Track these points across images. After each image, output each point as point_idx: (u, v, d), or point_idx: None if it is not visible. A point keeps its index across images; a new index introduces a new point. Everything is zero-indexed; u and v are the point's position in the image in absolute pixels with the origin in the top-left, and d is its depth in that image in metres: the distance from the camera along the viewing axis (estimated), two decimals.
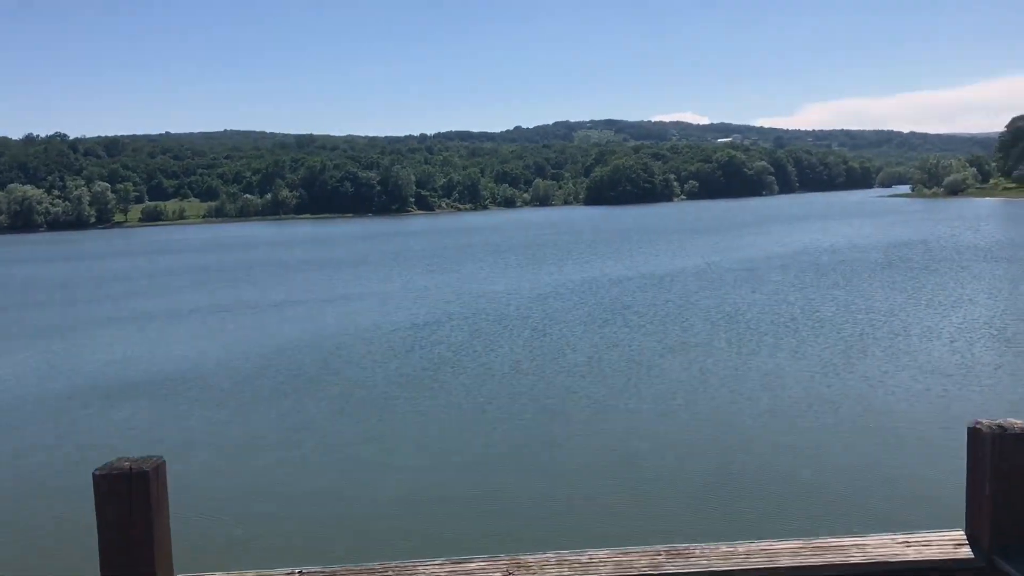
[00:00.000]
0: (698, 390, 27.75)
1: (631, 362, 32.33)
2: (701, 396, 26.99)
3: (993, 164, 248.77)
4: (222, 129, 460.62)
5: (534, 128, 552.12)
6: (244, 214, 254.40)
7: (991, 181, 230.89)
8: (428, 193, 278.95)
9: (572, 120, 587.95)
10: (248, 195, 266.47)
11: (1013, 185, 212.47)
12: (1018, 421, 3.71)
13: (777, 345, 34.34)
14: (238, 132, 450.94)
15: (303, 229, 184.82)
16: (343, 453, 22.94)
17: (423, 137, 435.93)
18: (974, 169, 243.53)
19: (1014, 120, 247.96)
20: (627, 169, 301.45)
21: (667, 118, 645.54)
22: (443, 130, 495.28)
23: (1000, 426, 3.69)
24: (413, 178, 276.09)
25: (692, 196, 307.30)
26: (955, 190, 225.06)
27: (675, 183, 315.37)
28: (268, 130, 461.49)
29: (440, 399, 28.08)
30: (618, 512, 18.17)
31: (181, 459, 23.03)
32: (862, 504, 17.87)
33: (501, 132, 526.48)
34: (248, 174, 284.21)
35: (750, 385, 28.09)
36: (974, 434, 3.81)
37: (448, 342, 38.15)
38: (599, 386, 28.81)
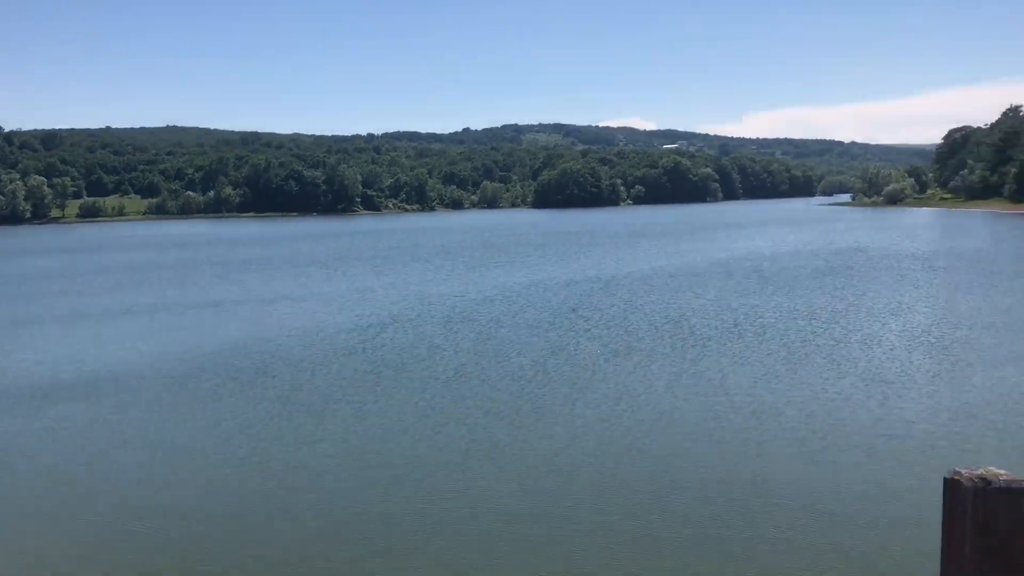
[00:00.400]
0: (642, 395, 27.65)
1: (576, 366, 32.16)
2: (645, 402, 26.88)
3: (931, 175, 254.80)
4: (164, 124, 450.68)
5: (482, 130, 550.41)
6: (186, 212, 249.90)
7: (928, 191, 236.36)
8: (375, 193, 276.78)
9: (521, 123, 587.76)
10: (190, 192, 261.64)
11: (949, 196, 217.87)
12: (1001, 471, 3.30)
13: (721, 351, 34.45)
14: (181, 128, 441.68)
15: (246, 228, 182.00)
16: (279, 459, 22.30)
17: (370, 137, 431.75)
18: (912, 179, 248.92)
19: (951, 132, 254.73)
20: (575, 173, 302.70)
21: (614, 123, 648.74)
22: (391, 130, 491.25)
23: (983, 478, 3.27)
24: (359, 178, 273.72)
25: (638, 201, 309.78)
26: (894, 199, 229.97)
27: (622, 188, 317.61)
28: (212, 126, 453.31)
29: (382, 402, 27.57)
30: (561, 517, 17.90)
31: (110, 464, 22.22)
32: (799, 514, 17.84)
33: (449, 133, 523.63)
34: (190, 171, 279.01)
35: (694, 391, 28.07)
36: (953, 487, 3.36)
37: (392, 345, 37.60)
38: (544, 390, 28.56)
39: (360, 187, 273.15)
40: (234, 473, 21.34)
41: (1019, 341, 35.14)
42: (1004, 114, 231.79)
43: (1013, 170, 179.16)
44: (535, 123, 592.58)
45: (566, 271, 69.66)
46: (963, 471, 3.35)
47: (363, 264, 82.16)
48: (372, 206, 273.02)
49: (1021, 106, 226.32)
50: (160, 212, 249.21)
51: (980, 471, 3.32)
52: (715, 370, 31.01)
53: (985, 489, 3.27)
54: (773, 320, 41.83)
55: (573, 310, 46.71)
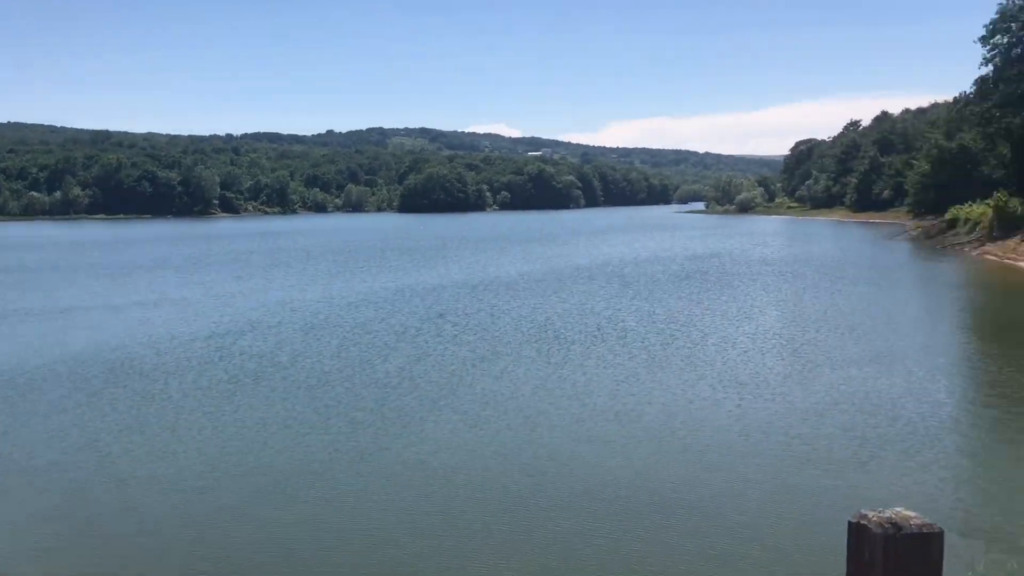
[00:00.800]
0: (509, 400, 27.69)
1: (443, 372, 31.94)
2: (512, 406, 26.92)
3: (779, 184, 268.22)
4: (5, 121, 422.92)
5: (347, 133, 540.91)
6: (29, 213, 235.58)
7: (777, 200, 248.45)
8: (233, 195, 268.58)
9: (386, 127, 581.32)
10: (34, 193, 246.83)
11: (796, 204, 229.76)
12: (912, 513, 3.10)
13: (585, 354, 34.94)
14: (24, 125, 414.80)
15: (96, 230, 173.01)
16: (128, 472, 21.11)
17: (229, 137, 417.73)
18: (762, 189, 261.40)
19: (797, 144, 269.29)
20: (441, 178, 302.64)
21: (480, 129, 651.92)
22: (250, 131, 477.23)
23: (893, 523, 3.04)
24: (217, 179, 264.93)
25: (504, 207, 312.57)
26: (745, 208, 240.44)
27: (488, 193, 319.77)
28: (58, 124, 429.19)
29: (241, 412, 26.56)
30: (429, 526, 17.64)
31: None
32: (663, 514, 18.20)
33: (313, 135, 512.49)
34: (34, 170, 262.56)
35: (560, 394, 28.33)
36: (859, 532, 3.15)
37: (251, 352, 36.36)
38: (410, 397, 28.20)
39: (218, 189, 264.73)
40: (80, 489, 20.05)
41: (861, 343, 37.14)
42: (845, 128, 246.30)
43: (854, 181, 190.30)
44: (400, 127, 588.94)
45: (433, 276, 69.37)
46: (870, 514, 3.16)
47: (221, 268, 79.41)
48: (231, 208, 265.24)
49: (860, 121, 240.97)
50: (1, 213, 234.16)
51: (888, 514, 3.15)
52: (579, 374, 31.41)
53: (896, 536, 3.11)
54: (634, 324, 42.79)
55: (440, 315, 46.48)
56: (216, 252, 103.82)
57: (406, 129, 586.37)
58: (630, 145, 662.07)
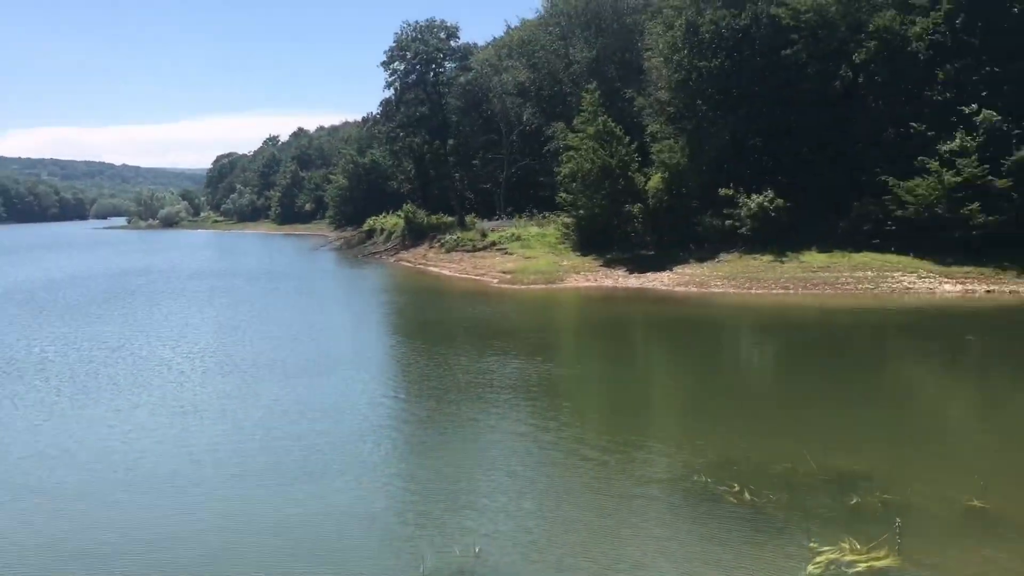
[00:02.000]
0: None
1: None
2: None
3: (203, 198, 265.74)
4: None
5: None
6: None
7: (203, 214, 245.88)
8: None
9: None
10: None
11: (222, 218, 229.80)
12: None
13: None
14: None
15: None
16: None
17: None
18: (186, 203, 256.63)
19: (219, 158, 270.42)
20: None
21: None
22: None
23: None
24: None
25: None
26: (170, 222, 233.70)
27: None
28: None
29: None
30: None
31: None
32: (111, 565, 16.21)
33: None
34: None
35: None
36: None
37: None
38: None
39: None
40: None
41: (301, 351, 37.77)
42: (265, 143, 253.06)
43: (277, 194, 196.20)
44: None
45: None
46: None
47: None
48: None
49: (279, 136, 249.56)
50: None
51: None
52: None
53: None
54: (55, 354, 38.08)
55: None
56: None
57: None
58: (36, 155, 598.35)
